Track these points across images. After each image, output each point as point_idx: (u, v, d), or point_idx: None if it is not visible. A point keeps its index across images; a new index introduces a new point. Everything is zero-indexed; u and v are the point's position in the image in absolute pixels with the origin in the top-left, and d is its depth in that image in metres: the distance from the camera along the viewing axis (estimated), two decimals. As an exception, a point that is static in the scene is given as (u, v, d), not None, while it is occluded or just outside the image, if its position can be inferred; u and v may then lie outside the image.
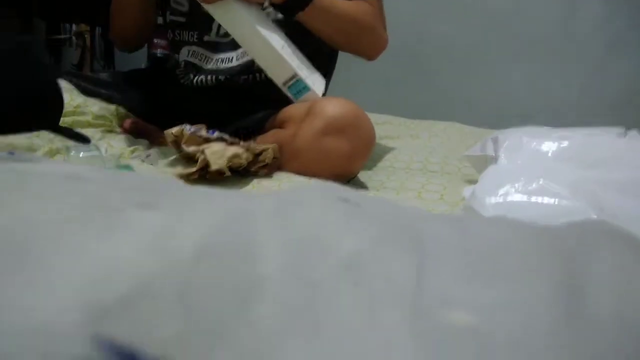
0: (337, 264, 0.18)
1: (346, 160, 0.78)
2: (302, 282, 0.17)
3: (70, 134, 0.85)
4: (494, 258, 0.19)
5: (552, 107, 1.82)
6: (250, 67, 0.95)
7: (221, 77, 0.96)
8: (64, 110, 0.89)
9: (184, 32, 0.99)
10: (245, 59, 0.95)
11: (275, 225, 0.18)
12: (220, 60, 0.97)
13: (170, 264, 0.15)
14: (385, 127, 1.21)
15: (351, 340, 0.15)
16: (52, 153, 0.76)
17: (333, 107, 0.77)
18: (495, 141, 0.77)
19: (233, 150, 0.82)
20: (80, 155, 0.72)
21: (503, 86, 1.87)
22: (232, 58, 0.96)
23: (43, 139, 0.78)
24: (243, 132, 0.92)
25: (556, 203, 0.50)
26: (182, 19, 0.99)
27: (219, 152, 0.81)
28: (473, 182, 0.81)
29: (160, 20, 1.09)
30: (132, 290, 0.14)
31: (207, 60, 0.97)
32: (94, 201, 0.17)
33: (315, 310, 0.16)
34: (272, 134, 0.90)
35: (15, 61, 0.78)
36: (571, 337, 0.16)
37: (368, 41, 0.97)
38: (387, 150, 1.05)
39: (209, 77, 0.97)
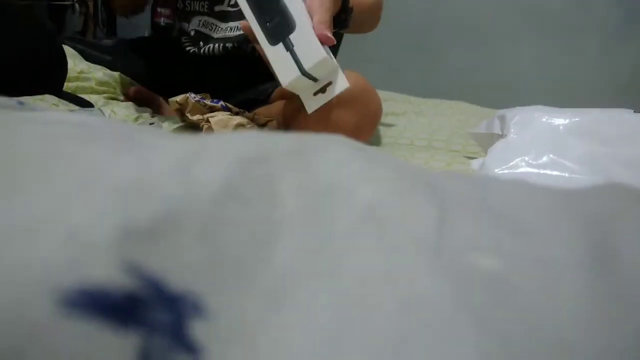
0: (356, 212, 0.17)
1: (353, 133, 0.77)
2: (320, 228, 0.16)
3: (73, 99, 0.84)
4: (517, 212, 0.19)
5: (563, 85, 1.79)
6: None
7: (229, 45, 0.95)
8: (68, 76, 0.88)
9: (195, 2, 0.98)
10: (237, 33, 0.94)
11: (295, 170, 0.18)
12: (229, 28, 0.96)
13: (195, 197, 0.14)
14: (390, 103, 1.20)
15: (372, 281, 0.15)
16: (55, 116, 0.75)
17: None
18: (502, 119, 0.77)
19: (238, 120, 0.81)
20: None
21: (512, 64, 1.85)
22: (240, 27, 0.95)
23: (47, 103, 0.77)
24: (248, 103, 0.91)
25: (566, 176, 0.50)
26: None
27: (224, 121, 0.81)
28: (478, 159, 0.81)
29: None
30: (160, 218, 0.13)
31: (217, 30, 0.96)
32: (113, 133, 0.17)
33: (334, 254, 0.16)
34: (278, 105, 0.89)
35: (19, 25, 0.77)
36: (604, 291, 0.16)
37: (377, 19, 0.98)
38: (391, 126, 1.04)
39: (216, 45, 0.96)
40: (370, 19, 0.97)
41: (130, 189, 0.14)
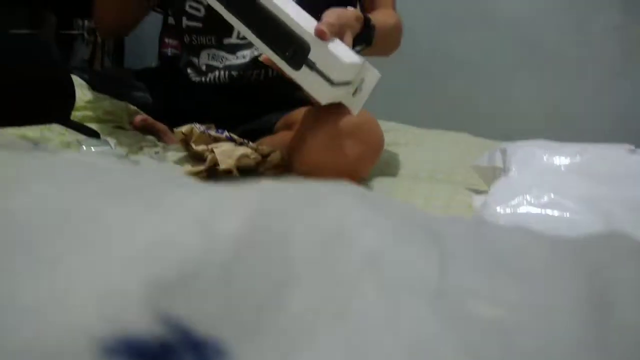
0: (360, 258, 0.18)
1: (355, 164, 0.78)
2: (329, 273, 0.17)
3: (80, 128, 0.85)
4: (518, 260, 0.20)
5: (563, 116, 1.81)
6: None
7: (234, 73, 0.97)
8: (75, 105, 0.89)
9: (201, 37, 1.00)
10: (257, 53, 0.95)
11: (305, 221, 0.19)
12: (235, 57, 0.98)
13: (214, 250, 0.15)
14: (393, 134, 1.21)
15: (377, 326, 0.16)
16: (63, 146, 0.76)
17: (343, 112, 0.77)
18: (504, 153, 0.78)
19: (242, 150, 0.82)
20: (92, 150, 0.72)
21: (514, 97, 1.87)
22: (247, 55, 0.97)
23: (54, 132, 0.78)
24: (252, 133, 0.92)
25: (567, 217, 0.50)
26: (199, 24, 1.00)
27: (228, 152, 0.81)
28: (479, 192, 0.82)
29: (171, 20, 1.10)
30: (184, 270, 0.14)
31: (226, 61, 0.98)
32: (130, 184, 0.18)
33: (342, 298, 0.16)
34: (282, 135, 0.90)
35: (29, 53, 0.79)
36: (597, 342, 0.17)
37: (398, 42, 1.03)
38: (394, 157, 1.05)
39: (222, 72, 0.98)
40: (392, 40, 0.99)
41: (155, 245, 0.15)
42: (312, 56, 0.70)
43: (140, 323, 0.13)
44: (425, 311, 0.17)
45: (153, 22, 1.23)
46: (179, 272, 0.14)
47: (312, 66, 0.70)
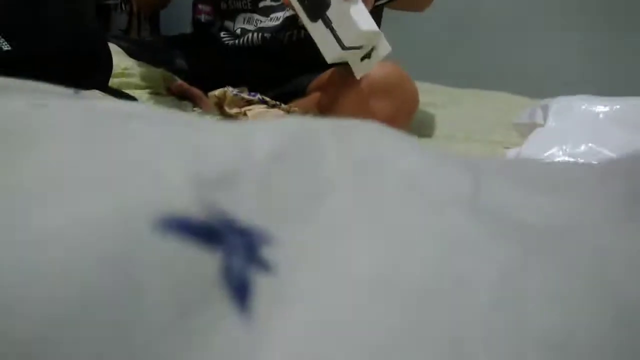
0: (395, 178, 0.19)
1: (389, 123, 0.77)
2: (365, 188, 0.18)
3: (118, 94, 0.87)
4: (552, 180, 0.20)
5: (611, 74, 1.72)
6: (294, 22, 0.94)
7: (266, 35, 0.96)
8: (113, 72, 0.91)
9: (237, 1, 1.00)
10: (290, 13, 0.94)
11: (338, 142, 0.20)
12: (269, 19, 0.97)
13: (252, 157, 0.16)
14: (430, 95, 1.18)
15: (416, 230, 0.16)
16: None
17: (377, 69, 0.76)
18: (545, 109, 0.75)
19: (274, 112, 0.82)
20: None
21: (557, 53, 1.78)
22: (280, 17, 0.96)
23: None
24: (285, 96, 0.92)
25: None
26: None
27: (261, 114, 0.82)
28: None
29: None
30: (225, 170, 0.16)
31: (259, 24, 0.98)
32: (170, 117, 0.19)
33: (379, 207, 0.17)
34: (314, 97, 0.89)
35: (67, 21, 0.81)
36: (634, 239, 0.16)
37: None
38: (429, 117, 1.03)
39: (254, 35, 0.97)
40: None
41: (198, 150, 0.16)
42: (331, 13, 0.68)
43: (189, 209, 0.14)
44: (464, 217, 0.17)
45: (188, -13, 1.23)
46: (221, 172, 0.15)
47: (328, 24, 0.69)
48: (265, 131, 0.18)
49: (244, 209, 0.15)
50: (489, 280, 0.15)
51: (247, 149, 0.17)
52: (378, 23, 1.02)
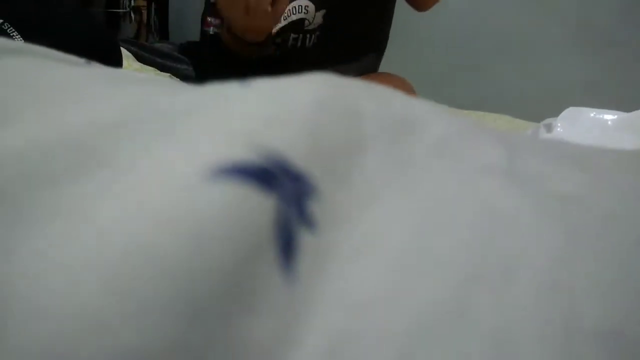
0: (430, 142, 0.19)
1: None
2: (400, 150, 0.18)
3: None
4: (584, 156, 0.20)
5: (611, 101, 1.74)
6: (296, 26, 0.95)
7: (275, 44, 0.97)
8: (121, 75, 0.92)
9: None
10: (290, 19, 0.95)
11: (372, 100, 0.19)
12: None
13: (295, 107, 0.16)
14: (432, 114, 1.19)
15: (449, 194, 0.16)
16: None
17: (386, 83, 0.76)
18: (549, 127, 0.75)
19: None
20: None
21: (559, 78, 1.81)
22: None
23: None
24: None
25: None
26: None
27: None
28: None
29: (212, -1, 1.11)
30: (273, 115, 0.15)
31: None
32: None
33: (415, 170, 0.17)
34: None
35: (79, 20, 0.81)
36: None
37: None
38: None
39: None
40: None
41: (246, 98, 0.16)
42: None
43: (240, 153, 0.13)
44: (499, 185, 0.17)
45: (197, -1, 1.25)
46: (269, 117, 0.15)
47: None
48: (304, 84, 0.18)
49: (295, 152, 0.15)
50: (538, 266, 0.14)
51: (290, 99, 0.17)
52: (390, 15, 1.02)
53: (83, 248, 0.11)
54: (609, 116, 0.58)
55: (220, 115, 0.15)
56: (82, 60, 0.29)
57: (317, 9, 0.94)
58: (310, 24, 0.94)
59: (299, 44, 0.97)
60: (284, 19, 0.96)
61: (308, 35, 0.96)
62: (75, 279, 0.11)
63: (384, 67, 1.07)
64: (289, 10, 0.94)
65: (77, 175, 0.13)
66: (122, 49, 0.98)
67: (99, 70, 0.23)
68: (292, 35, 0.97)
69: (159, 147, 0.14)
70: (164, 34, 1.72)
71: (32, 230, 0.12)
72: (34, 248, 0.11)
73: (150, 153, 0.14)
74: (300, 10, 0.94)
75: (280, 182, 0.13)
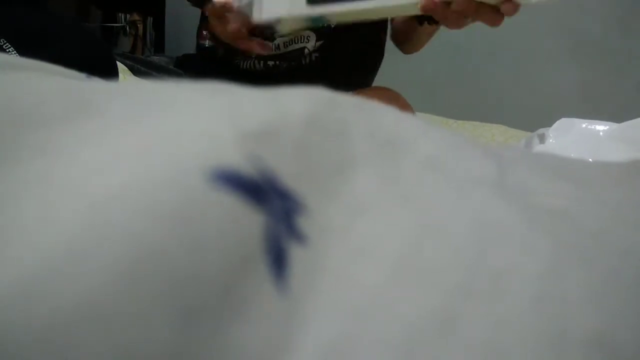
0: (418, 160, 0.19)
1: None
2: (389, 167, 0.18)
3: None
4: (572, 169, 0.20)
5: (603, 110, 1.75)
6: (295, 53, 0.96)
7: (270, 63, 0.98)
8: (117, 88, 0.92)
9: None
10: (292, 47, 0.97)
11: (362, 118, 0.19)
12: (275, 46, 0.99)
13: (287, 118, 0.16)
14: (427, 124, 1.20)
15: (444, 205, 0.16)
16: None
17: (379, 98, 0.77)
18: (542, 137, 0.76)
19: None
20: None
21: (552, 88, 1.82)
22: (279, 45, 0.98)
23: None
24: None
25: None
26: None
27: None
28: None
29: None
30: (265, 126, 0.15)
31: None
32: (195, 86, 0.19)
33: (405, 185, 0.17)
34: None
35: (76, 33, 0.82)
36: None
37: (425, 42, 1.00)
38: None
39: (256, 61, 0.99)
40: (426, 37, 0.97)
41: (235, 107, 0.16)
42: None
43: (237, 160, 0.14)
44: (490, 198, 0.17)
45: (193, 12, 1.26)
46: (262, 127, 0.15)
47: None
48: (297, 96, 0.18)
49: (285, 167, 0.15)
50: (528, 278, 0.14)
51: (282, 111, 0.17)
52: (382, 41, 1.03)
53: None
54: (601, 127, 0.59)
55: (217, 120, 0.15)
56: (82, 75, 0.29)
57: (317, 40, 0.97)
58: (309, 52, 0.96)
59: (294, 63, 0.98)
60: (285, 46, 0.97)
61: (306, 55, 0.97)
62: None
63: (378, 76, 1.08)
64: (292, 39, 0.96)
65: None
66: (118, 62, 0.98)
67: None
68: (291, 63, 0.98)
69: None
70: (159, 48, 1.73)
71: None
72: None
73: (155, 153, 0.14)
74: (302, 40, 0.96)
75: (269, 197, 0.14)
